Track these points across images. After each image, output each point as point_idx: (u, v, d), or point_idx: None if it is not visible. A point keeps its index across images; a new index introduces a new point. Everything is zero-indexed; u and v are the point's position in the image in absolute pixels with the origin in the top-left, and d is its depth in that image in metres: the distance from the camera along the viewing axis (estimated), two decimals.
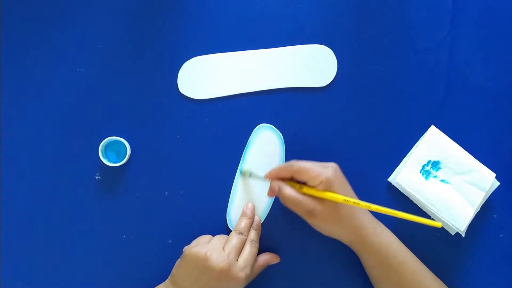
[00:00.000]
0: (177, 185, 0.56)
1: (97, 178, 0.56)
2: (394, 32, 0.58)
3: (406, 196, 0.55)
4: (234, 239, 0.51)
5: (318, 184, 0.48)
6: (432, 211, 0.54)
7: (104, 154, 0.55)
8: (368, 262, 0.51)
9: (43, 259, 0.55)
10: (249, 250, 0.51)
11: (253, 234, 0.53)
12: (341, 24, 0.58)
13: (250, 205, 0.55)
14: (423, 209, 0.55)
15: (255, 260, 0.52)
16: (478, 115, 0.57)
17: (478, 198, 0.53)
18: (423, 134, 0.56)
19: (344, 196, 0.48)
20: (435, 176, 0.55)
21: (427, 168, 0.55)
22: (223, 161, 0.56)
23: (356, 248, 0.51)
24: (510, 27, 0.59)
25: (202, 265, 0.48)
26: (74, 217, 0.55)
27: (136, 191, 0.56)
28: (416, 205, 0.55)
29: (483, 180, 0.54)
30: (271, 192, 0.51)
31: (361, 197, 0.55)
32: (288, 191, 0.49)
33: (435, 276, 0.52)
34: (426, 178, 0.54)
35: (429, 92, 0.57)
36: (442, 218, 0.53)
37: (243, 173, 0.55)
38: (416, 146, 0.56)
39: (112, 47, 0.57)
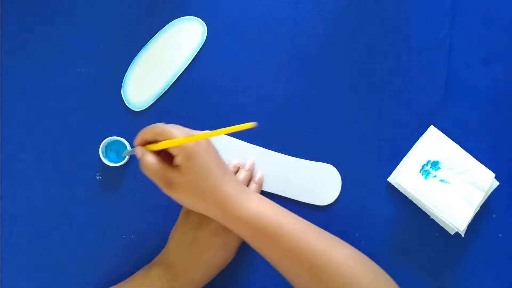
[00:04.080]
0: None
1: (97, 178, 0.56)
2: (394, 32, 0.58)
3: (406, 196, 0.56)
4: None
5: (178, 152, 0.44)
6: (432, 211, 0.54)
7: (104, 154, 0.55)
8: (244, 236, 0.46)
9: (43, 259, 0.55)
10: None
11: (253, 188, 0.52)
12: (340, 24, 0.58)
13: (251, 160, 0.54)
14: (423, 209, 0.55)
15: None
16: (478, 115, 0.57)
17: (477, 198, 0.53)
18: (423, 134, 0.56)
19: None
20: (435, 176, 0.55)
21: (427, 168, 0.55)
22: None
23: (224, 223, 0.46)
24: (510, 27, 0.59)
25: (198, 223, 0.48)
26: (74, 217, 0.55)
27: (136, 191, 0.56)
28: (416, 205, 0.55)
29: (482, 180, 0.54)
30: (138, 156, 0.46)
31: (361, 197, 0.56)
32: (148, 158, 0.44)
33: (319, 230, 0.48)
34: (426, 178, 0.55)
35: (429, 92, 0.57)
36: (441, 218, 0.53)
37: (124, 154, 0.53)
38: (416, 146, 0.56)
39: (112, 47, 0.57)
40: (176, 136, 0.43)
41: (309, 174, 0.56)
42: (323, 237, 0.47)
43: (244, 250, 0.54)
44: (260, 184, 0.54)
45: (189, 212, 0.50)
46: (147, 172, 0.45)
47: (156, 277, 0.49)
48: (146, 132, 0.46)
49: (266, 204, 0.47)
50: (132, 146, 0.55)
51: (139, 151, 0.46)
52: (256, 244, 0.46)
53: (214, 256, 0.49)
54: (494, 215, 0.56)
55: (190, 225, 0.49)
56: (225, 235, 0.48)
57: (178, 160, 0.44)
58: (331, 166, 0.56)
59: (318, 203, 0.55)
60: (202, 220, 0.49)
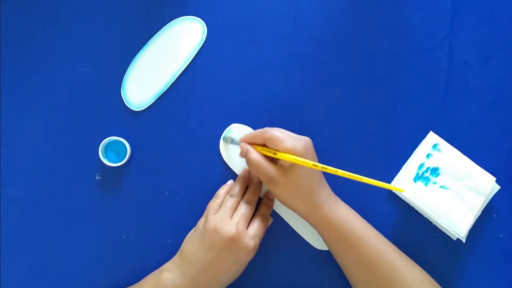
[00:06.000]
0: (177, 185, 0.56)
1: (97, 178, 0.56)
2: (394, 32, 0.58)
3: (407, 203, 0.55)
4: (242, 208, 0.51)
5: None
6: (433, 218, 0.53)
7: (104, 154, 0.55)
8: (327, 238, 0.51)
9: (43, 259, 0.55)
10: (259, 222, 0.51)
11: (264, 209, 0.53)
12: (340, 24, 0.58)
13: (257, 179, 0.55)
14: (424, 215, 0.55)
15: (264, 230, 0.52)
16: (478, 115, 0.57)
17: (477, 203, 0.53)
18: (423, 137, 0.56)
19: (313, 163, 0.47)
20: (435, 183, 0.54)
21: (427, 174, 0.55)
22: (223, 161, 0.56)
23: (313, 223, 0.51)
24: (510, 27, 0.58)
25: (211, 237, 0.48)
26: (74, 217, 0.55)
27: (136, 191, 0.56)
28: (417, 211, 0.55)
29: (482, 185, 0.54)
30: (241, 153, 0.51)
31: (362, 204, 0.55)
32: (254, 155, 0.49)
33: (396, 247, 0.51)
34: (426, 184, 0.54)
35: (429, 92, 0.57)
36: (442, 225, 0.53)
37: (225, 139, 0.55)
38: (416, 153, 0.56)
39: (112, 47, 0.57)
40: (287, 146, 0.47)
41: None
42: (400, 255, 0.51)
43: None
44: (272, 204, 0.54)
45: (206, 225, 0.49)
46: (253, 168, 0.49)
47: (166, 282, 0.49)
48: (255, 137, 0.50)
49: (352, 214, 0.51)
50: (131, 146, 0.55)
51: (243, 147, 0.51)
52: (337, 247, 0.50)
53: (226, 270, 0.49)
54: (494, 215, 0.56)
55: (205, 238, 0.49)
56: (236, 251, 0.48)
57: (284, 162, 0.48)
58: None
59: (314, 245, 0.55)
60: (218, 234, 0.48)
